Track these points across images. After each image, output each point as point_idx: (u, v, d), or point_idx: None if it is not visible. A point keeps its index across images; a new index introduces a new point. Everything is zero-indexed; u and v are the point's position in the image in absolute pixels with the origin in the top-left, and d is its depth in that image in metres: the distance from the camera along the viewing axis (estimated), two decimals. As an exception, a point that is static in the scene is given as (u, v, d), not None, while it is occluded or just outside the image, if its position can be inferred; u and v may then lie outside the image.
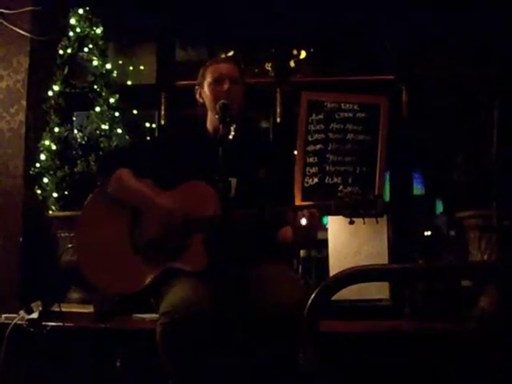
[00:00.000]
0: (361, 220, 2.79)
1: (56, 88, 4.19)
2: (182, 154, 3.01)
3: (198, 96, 3.14)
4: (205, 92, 3.07)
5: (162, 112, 4.83)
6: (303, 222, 2.73)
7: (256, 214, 2.80)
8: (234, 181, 2.93)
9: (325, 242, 3.79)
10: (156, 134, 4.85)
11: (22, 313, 3.38)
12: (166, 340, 2.57)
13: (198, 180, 2.89)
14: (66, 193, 4.04)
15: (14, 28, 4.29)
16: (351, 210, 2.78)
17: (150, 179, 2.99)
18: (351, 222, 2.81)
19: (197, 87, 3.14)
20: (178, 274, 2.76)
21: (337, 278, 1.72)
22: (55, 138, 4.12)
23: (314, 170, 3.86)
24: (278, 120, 4.77)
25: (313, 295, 1.65)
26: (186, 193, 2.89)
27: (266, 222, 2.83)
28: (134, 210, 2.94)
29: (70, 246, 3.73)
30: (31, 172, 4.13)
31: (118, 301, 3.29)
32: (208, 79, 3.06)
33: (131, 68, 4.71)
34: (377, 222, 2.87)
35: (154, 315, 2.98)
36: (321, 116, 3.92)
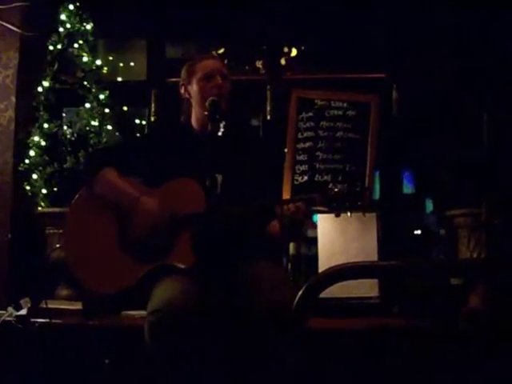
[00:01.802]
0: (348, 215, 2.78)
1: (46, 84, 4.17)
2: (167, 150, 3.00)
3: (182, 91, 3.13)
4: (193, 87, 3.06)
5: (152, 109, 4.82)
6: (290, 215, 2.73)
7: (242, 209, 2.80)
8: (219, 177, 2.91)
9: (314, 240, 3.79)
10: (146, 131, 4.83)
11: (10, 309, 3.37)
12: (154, 338, 2.57)
13: (184, 177, 2.88)
14: (55, 189, 4.02)
15: (3, 23, 4.27)
16: (337, 203, 2.77)
17: (137, 177, 2.98)
18: (337, 215, 2.81)
19: (182, 83, 3.13)
20: (166, 273, 2.75)
21: (325, 274, 1.71)
22: (45, 134, 4.10)
23: (303, 167, 3.86)
24: (269, 117, 4.76)
25: (300, 292, 1.65)
26: (172, 190, 2.88)
27: (253, 217, 2.83)
28: (121, 208, 2.93)
29: (58, 245, 3.71)
30: (20, 168, 4.11)
31: (106, 298, 3.27)
32: (198, 74, 3.05)
33: (121, 64, 4.70)
34: (364, 215, 2.87)
35: (143, 312, 2.97)
36: (311, 114, 3.92)
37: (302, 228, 2.91)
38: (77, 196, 3.05)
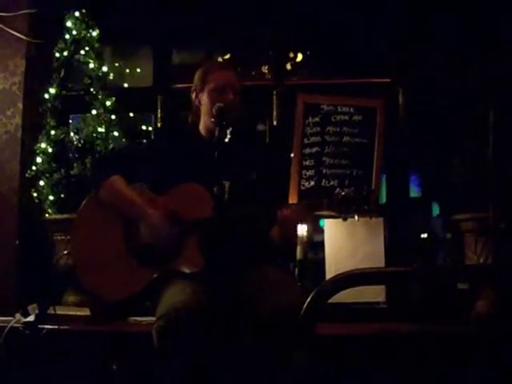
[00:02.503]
0: (356, 221, 2.79)
1: (52, 91, 4.18)
2: (174, 157, 3.01)
3: (194, 97, 3.12)
4: (203, 96, 3.05)
5: (159, 115, 4.82)
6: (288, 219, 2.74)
7: (246, 214, 2.80)
8: (226, 184, 2.90)
9: (321, 244, 3.79)
10: (152, 137, 4.84)
11: (18, 316, 3.38)
12: (163, 343, 2.58)
13: (192, 183, 2.89)
14: (62, 196, 4.03)
15: (10, 31, 4.28)
16: (344, 207, 2.78)
17: (143, 183, 2.99)
18: (345, 219, 2.82)
19: (194, 88, 3.12)
20: (173, 277, 2.76)
21: (333, 281, 1.72)
22: (51, 141, 4.11)
23: (310, 172, 3.86)
24: (275, 123, 4.76)
25: (308, 299, 1.65)
26: (179, 195, 2.89)
27: (255, 222, 2.84)
28: (128, 217, 2.94)
29: (65, 252, 3.72)
30: (27, 175, 4.12)
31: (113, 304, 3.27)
32: (211, 85, 3.03)
33: (128, 71, 4.70)
34: (370, 218, 2.86)
35: (150, 318, 2.98)
36: (317, 119, 3.92)
37: (294, 232, 2.89)
38: (84, 202, 3.06)
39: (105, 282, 2.89)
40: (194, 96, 3.12)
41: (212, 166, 2.76)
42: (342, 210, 2.80)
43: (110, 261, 2.90)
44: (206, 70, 3.10)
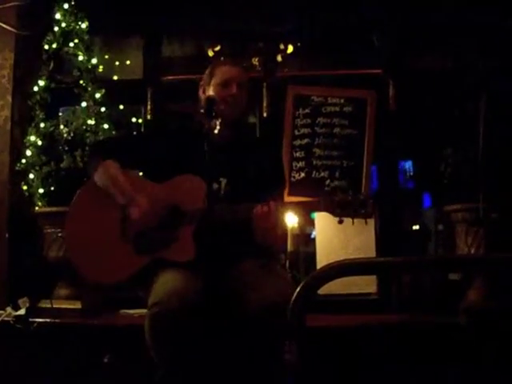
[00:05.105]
0: (349, 219, 2.77)
1: (41, 83, 4.15)
2: (173, 149, 3.01)
3: (201, 92, 3.12)
4: (209, 90, 3.05)
5: (149, 107, 4.81)
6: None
7: (241, 207, 2.79)
8: (224, 181, 2.93)
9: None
10: (142, 129, 4.82)
11: (8, 309, 3.38)
12: (155, 331, 2.59)
13: (187, 174, 2.89)
14: (52, 188, 4.00)
15: (-2, 23, 4.27)
16: (341, 211, 2.76)
17: (138, 170, 3.00)
18: (340, 222, 2.79)
19: (202, 84, 3.12)
20: (166, 265, 2.77)
21: (323, 271, 1.71)
22: (41, 134, 4.08)
23: (300, 164, 3.86)
24: (265, 115, 4.76)
25: (298, 288, 1.65)
26: (175, 185, 2.89)
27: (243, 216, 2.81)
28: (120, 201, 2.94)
29: (59, 235, 3.70)
30: (17, 168, 4.10)
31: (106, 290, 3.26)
32: (216, 79, 3.04)
33: (117, 63, 4.68)
34: (366, 223, 2.83)
35: (141, 310, 2.98)
36: (307, 110, 3.92)
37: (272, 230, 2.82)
38: (82, 187, 3.07)
39: (98, 265, 2.90)
40: (201, 91, 3.12)
41: (211, 162, 2.75)
42: (339, 214, 2.78)
43: (105, 245, 2.91)
44: (213, 65, 3.14)
